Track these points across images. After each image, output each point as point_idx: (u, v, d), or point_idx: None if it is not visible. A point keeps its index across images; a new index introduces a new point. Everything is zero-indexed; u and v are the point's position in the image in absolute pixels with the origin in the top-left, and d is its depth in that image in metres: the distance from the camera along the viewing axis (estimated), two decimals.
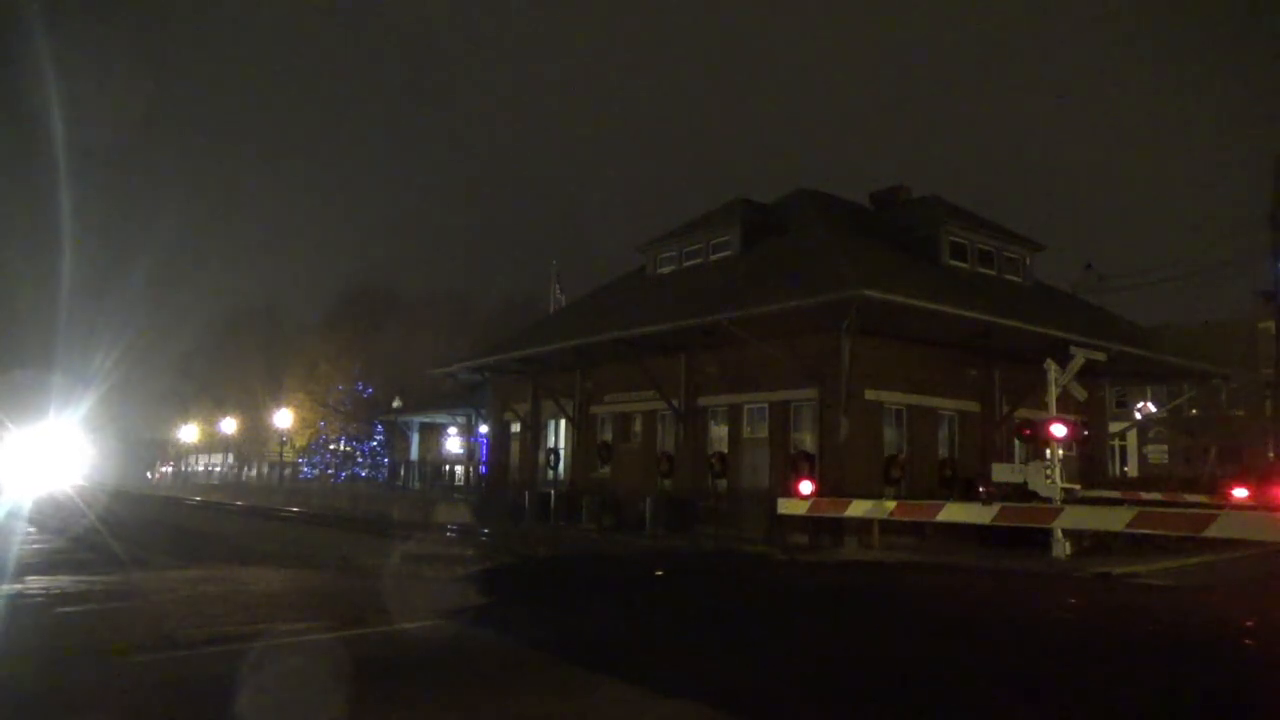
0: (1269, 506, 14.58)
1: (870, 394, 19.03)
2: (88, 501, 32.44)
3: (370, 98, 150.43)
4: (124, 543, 16.47)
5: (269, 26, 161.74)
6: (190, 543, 17.81)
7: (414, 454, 46.15)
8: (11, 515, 22.39)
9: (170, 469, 68.53)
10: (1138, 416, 37.74)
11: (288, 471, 49.36)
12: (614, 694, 6.13)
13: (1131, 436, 37.45)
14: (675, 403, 22.62)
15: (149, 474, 70.88)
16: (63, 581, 10.99)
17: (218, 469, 55.17)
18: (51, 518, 23.09)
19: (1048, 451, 15.79)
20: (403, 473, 39.31)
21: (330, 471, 49.76)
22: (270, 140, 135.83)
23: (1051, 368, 16.19)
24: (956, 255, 22.75)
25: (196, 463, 66.57)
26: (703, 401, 22.39)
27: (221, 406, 63.42)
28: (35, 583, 10.81)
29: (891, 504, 16.01)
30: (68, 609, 9.07)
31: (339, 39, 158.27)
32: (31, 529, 19.95)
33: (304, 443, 54.20)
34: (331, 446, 53.11)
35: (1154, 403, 37.70)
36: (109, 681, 6.23)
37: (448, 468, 40.51)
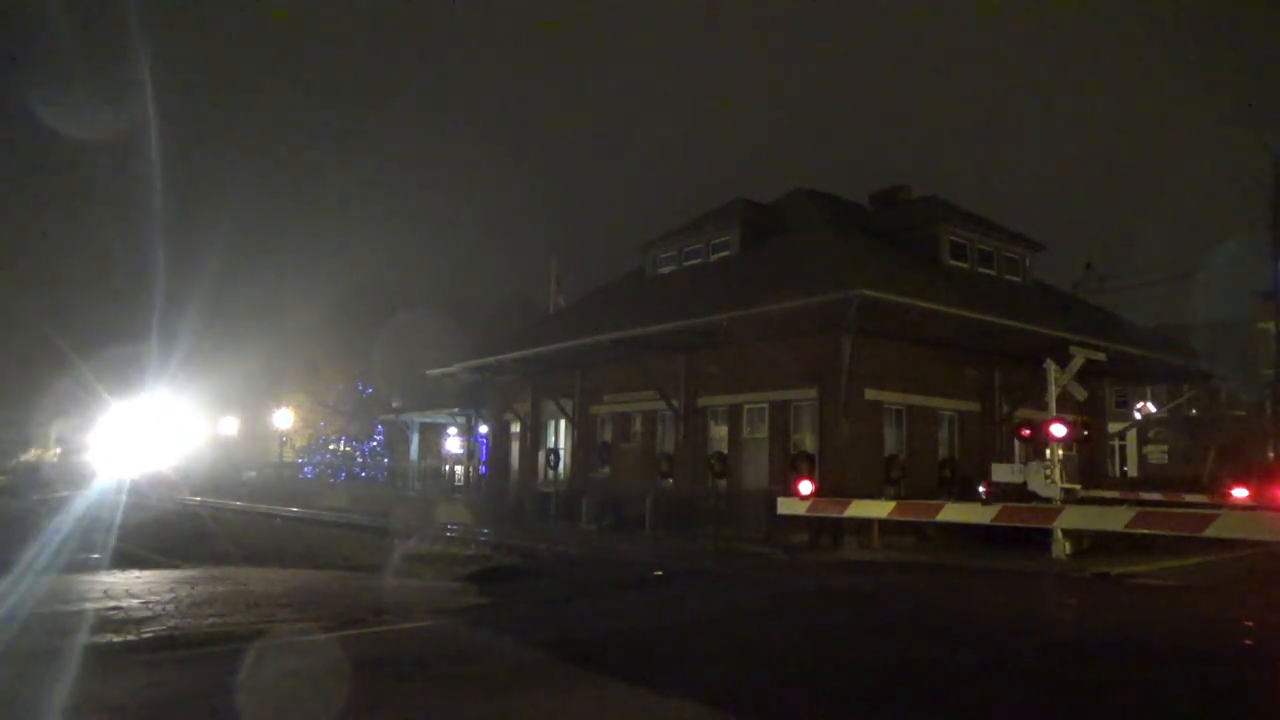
0: (1270, 506, 14.56)
1: (870, 394, 19.02)
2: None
3: (369, 98, 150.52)
4: (120, 541, 16.47)
5: (259, 26, 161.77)
6: (190, 542, 17.79)
7: (414, 454, 46.07)
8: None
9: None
10: (1137, 416, 37.73)
11: (288, 472, 49.26)
12: (613, 694, 6.13)
13: (1131, 436, 37.45)
14: (675, 403, 22.61)
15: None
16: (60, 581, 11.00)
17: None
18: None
19: (1048, 451, 15.78)
20: (403, 473, 39.29)
21: (330, 471, 49.72)
22: (267, 139, 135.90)
23: (1051, 368, 16.18)
24: (956, 255, 22.75)
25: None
26: (702, 401, 22.37)
27: (220, 406, 63.31)
28: (35, 583, 10.81)
29: (891, 504, 16.00)
30: (64, 608, 9.06)
31: (337, 39, 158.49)
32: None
33: (304, 443, 54.15)
34: (331, 447, 53.03)
35: (1154, 403, 37.69)
36: (106, 682, 6.22)
37: (448, 468, 40.44)
